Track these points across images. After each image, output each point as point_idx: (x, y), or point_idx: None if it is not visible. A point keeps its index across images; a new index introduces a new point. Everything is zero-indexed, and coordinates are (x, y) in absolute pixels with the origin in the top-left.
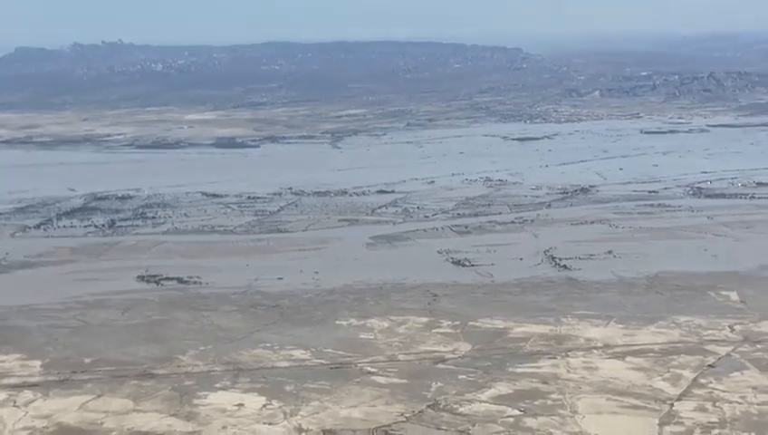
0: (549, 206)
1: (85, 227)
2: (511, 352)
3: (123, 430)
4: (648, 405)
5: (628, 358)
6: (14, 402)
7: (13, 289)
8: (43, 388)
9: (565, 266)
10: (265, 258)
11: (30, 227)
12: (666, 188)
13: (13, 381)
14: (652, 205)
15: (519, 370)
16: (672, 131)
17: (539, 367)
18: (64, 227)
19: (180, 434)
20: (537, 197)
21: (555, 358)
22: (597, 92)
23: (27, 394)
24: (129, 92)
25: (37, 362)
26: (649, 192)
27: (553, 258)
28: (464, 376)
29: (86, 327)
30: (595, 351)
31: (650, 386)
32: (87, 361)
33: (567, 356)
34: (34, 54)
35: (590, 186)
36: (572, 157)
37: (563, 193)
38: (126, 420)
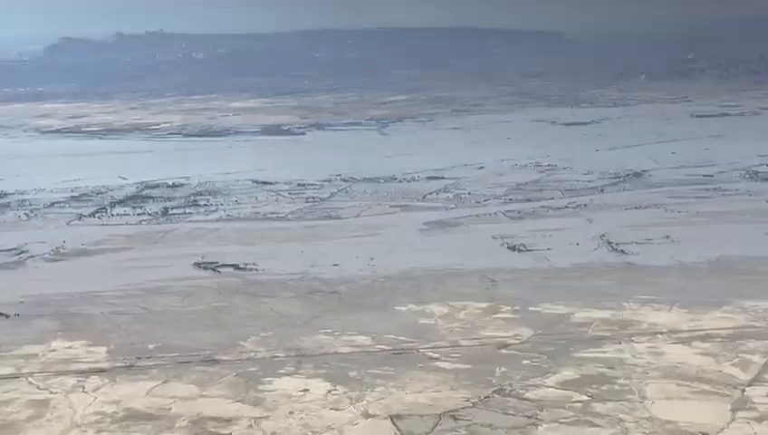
0: (602, 191)
1: (139, 214)
2: (574, 338)
3: (191, 415)
4: (718, 391)
5: (695, 343)
6: (83, 388)
7: (73, 276)
8: (110, 374)
9: (623, 251)
10: (319, 245)
11: (85, 216)
12: (721, 172)
13: (80, 366)
14: (707, 189)
15: (584, 355)
16: (723, 114)
17: (604, 352)
18: (118, 215)
19: (248, 419)
20: (589, 182)
21: (620, 343)
22: (643, 76)
23: (95, 380)
24: (172, 81)
25: (103, 349)
26: (704, 176)
27: (610, 243)
28: (528, 361)
29: (148, 314)
30: (660, 336)
31: (720, 371)
32: (151, 347)
33: (632, 341)
34: (79, 45)
35: (642, 170)
36: (622, 141)
37: (616, 178)
38: (193, 405)
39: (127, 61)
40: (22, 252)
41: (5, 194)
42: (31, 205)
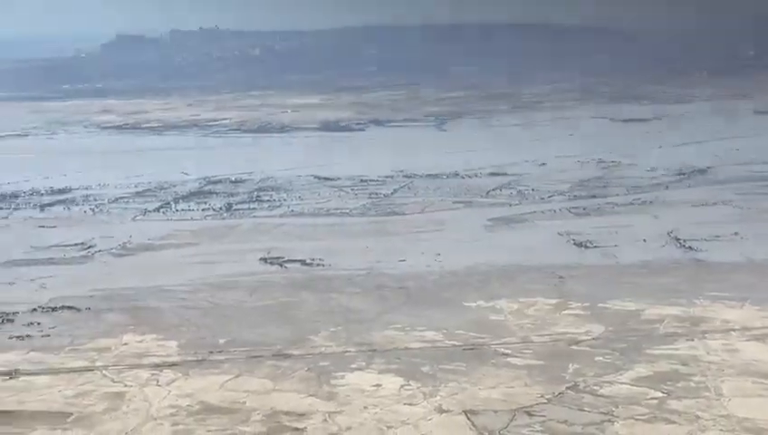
0: (667, 187)
1: (203, 210)
2: (646, 334)
3: (266, 409)
4: None
5: None
6: (157, 381)
7: (140, 271)
8: (183, 367)
9: (691, 248)
10: (384, 240)
11: (149, 211)
12: None
13: (153, 360)
14: None
15: (656, 352)
16: None
17: (677, 349)
18: (182, 210)
19: (322, 414)
20: (653, 178)
21: (692, 340)
22: (704, 72)
23: (168, 374)
24: (228, 78)
25: (173, 343)
26: None
27: (678, 240)
28: (600, 358)
29: (216, 308)
30: (733, 333)
31: None
32: (221, 341)
33: (705, 338)
34: (134, 42)
35: (707, 167)
36: (685, 138)
37: (680, 174)
38: (267, 399)
39: (182, 57)
40: (89, 247)
41: (70, 189)
42: (96, 200)
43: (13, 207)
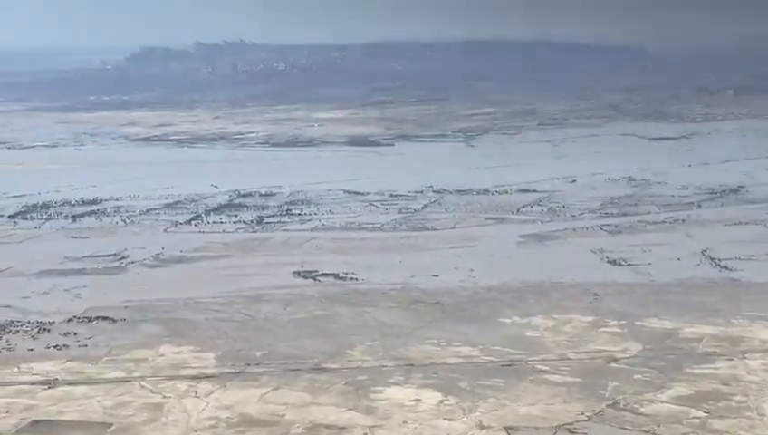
0: (699, 206)
1: (234, 223)
2: (684, 353)
3: (305, 422)
4: None
5: None
6: (196, 393)
7: (174, 282)
8: (221, 379)
9: (726, 267)
10: (417, 255)
11: (181, 223)
12: None
13: (190, 372)
14: None
15: (696, 371)
16: None
17: (716, 368)
18: (214, 222)
19: (362, 428)
20: (685, 197)
21: (732, 359)
22: (731, 91)
23: (206, 385)
24: (255, 91)
25: (210, 355)
26: None
27: (712, 259)
28: (639, 376)
29: (252, 321)
30: None
31: None
32: (258, 354)
33: (744, 358)
34: (159, 54)
35: (738, 186)
36: (714, 156)
37: (712, 193)
38: (306, 412)
39: (208, 70)
40: (122, 257)
41: (101, 200)
42: (127, 211)
43: (45, 217)
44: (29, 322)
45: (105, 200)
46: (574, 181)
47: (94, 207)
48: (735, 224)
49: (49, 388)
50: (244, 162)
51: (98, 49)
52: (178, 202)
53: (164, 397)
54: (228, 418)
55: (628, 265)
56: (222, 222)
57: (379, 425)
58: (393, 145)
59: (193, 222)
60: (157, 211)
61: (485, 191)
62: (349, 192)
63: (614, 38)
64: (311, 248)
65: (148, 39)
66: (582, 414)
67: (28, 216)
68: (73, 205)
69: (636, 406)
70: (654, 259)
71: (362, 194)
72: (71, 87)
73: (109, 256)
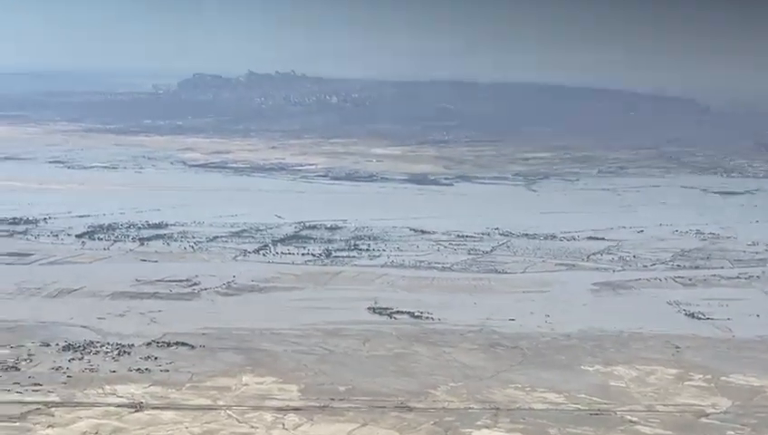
0: None
1: (302, 254)
2: None
3: None
4: None
5: None
6: (283, 425)
7: (249, 312)
8: (307, 413)
9: None
10: (490, 297)
11: (249, 252)
12: None
13: (275, 403)
14: None
15: None
16: None
17: None
18: (282, 253)
19: None
20: (756, 253)
21: None
22: None
23: (293, 418)
24: (308, 123)
25: (293, 387)
26: None
27: None
28: (732, 432)
29: (331, 355)
30: None
31: None
32: (341, 389)
33: None
34: (211, 81)
35: None
36: None
37: None
38: None
39: (260, 100)
40: (194, 284)
41: (166, 225)
42: (193, 237)
43: (113, 238)
44: (108, 343)
45: (171, 225)
46: (642, 232)
47: (160, 232)
48: None
49: (136, 411)
50: (306, 194)
51: (145, 72)
52: (244, 231)
53: (251, 427)
54: None
55: (707, 319)
56: (290, 253)
57: None
58: (452, 185)
59: (261, 251)
60: (224, 239)
61: (553, 237)
62: (414, 230)
63: (672, 89)
64: (382, 285)
65: (200, 66)
66: None
67: (95, 236)
68: (140, 228)
69: None
70: (732, 314)
71: (428, 233)
72: (124, 109)
73: (181, 281)
